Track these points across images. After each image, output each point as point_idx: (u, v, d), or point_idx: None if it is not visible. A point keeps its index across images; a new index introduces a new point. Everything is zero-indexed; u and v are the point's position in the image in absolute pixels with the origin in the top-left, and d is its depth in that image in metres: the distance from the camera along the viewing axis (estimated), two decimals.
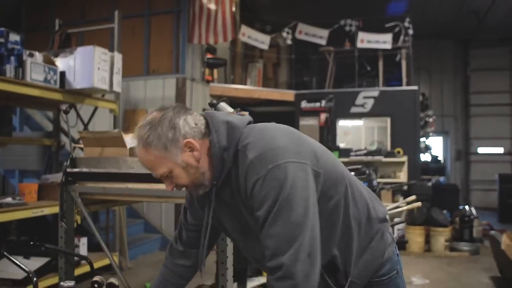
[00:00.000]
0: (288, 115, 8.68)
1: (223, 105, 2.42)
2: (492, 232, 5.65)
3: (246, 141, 1.42)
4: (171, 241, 1.85)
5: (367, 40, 8.18)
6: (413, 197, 4.30)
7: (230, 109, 2.45)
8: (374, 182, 3.95)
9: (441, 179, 9.14)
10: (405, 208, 4.17)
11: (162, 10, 7.34)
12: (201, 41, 7.17)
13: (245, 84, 8.82)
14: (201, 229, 1.62)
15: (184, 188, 1.52)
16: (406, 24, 8.23)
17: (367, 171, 3.87)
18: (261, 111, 9.24)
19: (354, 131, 8.47)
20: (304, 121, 8.28)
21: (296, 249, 1.32)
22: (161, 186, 2.32)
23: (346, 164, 6.37)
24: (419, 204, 3.73)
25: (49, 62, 4.30)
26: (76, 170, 2.66)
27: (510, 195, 10.22)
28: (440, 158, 10.44)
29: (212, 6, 7.17)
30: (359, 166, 4.03)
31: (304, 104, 8.28)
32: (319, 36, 8.46)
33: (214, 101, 2.23)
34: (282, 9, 9.86)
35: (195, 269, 1.78)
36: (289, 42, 8.69)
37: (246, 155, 1.39)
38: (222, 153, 1.43)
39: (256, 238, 1.46)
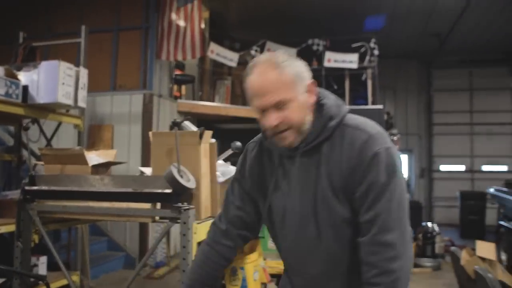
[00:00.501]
0: (256, 132, 8.71)
1: (187, 123, 2.43)
2: (453, 248, 5.79)
3: (356, 120, 1.48)
4: (215, 219, 1.82)
5: (334, 60, 8.35)
6: None
7: (194, 128, 2.47)
8: None
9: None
10: None
11: (130, 26, 7.32)
12: (169, 58, 7.17)
13: (213, 101, 8.84)
14: (246, 210, 1.70)
15: (274, 133, 1.45)
16: (372, 44, 8.45)
17: None
18: (228, 128, 9.28)
19: None
20: None
21: (402, 230, 1.37)
22: (123, 205, 2.30)
23: None
24: None
25: (11, 76, 4.21)
26: (35, 188, 2.61)
27: (471, 212, 10.52)
28: (405, 175, 10.63)
29: (181, 23, 7.20)
30: None
31: None
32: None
33: (178, 120, 2.24)
34: (251, 27, 9.99)
35: (236, 251, 1.78)
36: None
37: (361, 131, 1.43)
38: (328, 120, 1.45)
39: (318, 223, 1.47)
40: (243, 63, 9.15)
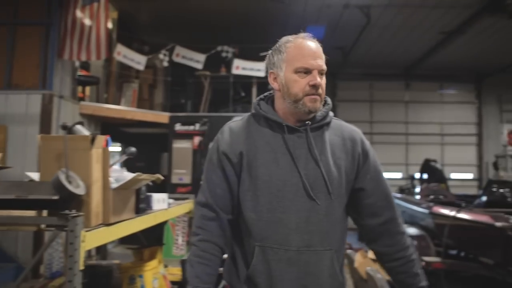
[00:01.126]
0: (161, 137, 8.60)
1: (79, 127, 2.35)
2: (348, 251, 6.10)
3: (340, 120, 1.86)
4: (200, 210, 1.77)
5: (242, 67, 8.48)
6: None
7: (86, 132, 2.39)
8: None
9: None
10: None
11: (30, 20, 6.90)
12: (72, 57, 6.85)
13: (119, 104, 8.58)
14: (233, 192, 1.74)
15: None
16: None
17: None
18: (134, 132, 9.07)
19: None
20: (178, 144, 8.26)
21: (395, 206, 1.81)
22: (4, 212, 2.16)
23: None
24: None
25: None
26: None
27: None
28: None
29: (86, 22, 6.92)
30: None
31: (178, 127, 8.28)
32: (196, 60, 8.57)
33: (68, 124, 2.15)
34: (161, 31, 9.86)
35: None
36: (165, 64, 8.68)
37: (352, 127, 1.84)
38: (329, 110, 1.81)
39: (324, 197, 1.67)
40: (151, 66, 9.01)
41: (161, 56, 8.59)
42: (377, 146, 13.58)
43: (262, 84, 8.75)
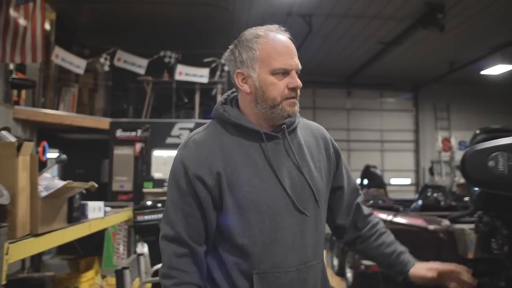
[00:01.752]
0: (102, 143, 8.38)
1: (3, 133, 2.24)
2: None
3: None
4: (167, 249, 1.46)
5: (185, 73, 8.42)
6: None
7: (13, 138, 2.28)
8: None
9: None
10: None
11: None
12: (5, 59, 6.52)
13: (57, 109, 8.27)
14: (210, 219, 1.46)
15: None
16: (223, 61, 8.67)
17: None
18: (73, 138, 8.78)
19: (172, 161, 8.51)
20: (119, 150, 8.08)
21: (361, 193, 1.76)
22: None
23: (160, 195, 6.33)
24: None
25: None
26: None
27: None
28: None
29: (21, 22, 6.63)
30: (163, 198, 4.06)
31: (119, 133, 8.10)
32: (138, 65, 8.44)
33: None
34: (103, 34, 9.61)
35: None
36: (107, 68, 8.47)
37: (314, 123, 1.69)
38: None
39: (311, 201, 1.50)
40: (92, 70, 8.77)
41: (102, 60, 8.39)
42: None
43: (205, 90, 8.73)
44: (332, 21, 9.36)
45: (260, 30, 1.51)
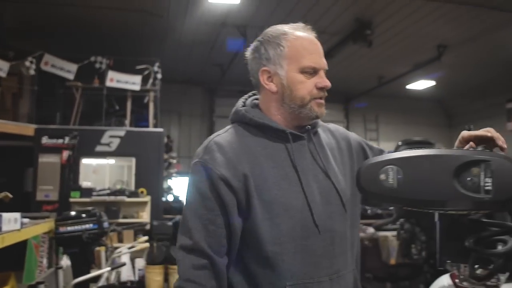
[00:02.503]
0: (26, 150, 7.97)
1: None
2: None
3: None
4: (189, 261, 1.32)
5: (116, 80, 8.20)
6: (145, 238, 4.39)
7: None
8: (105, 224, 3.88)
9: None
10: (137, 248, 4.22)
11: None
12: None
13: None
14: (234, 226, 1.34)
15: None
16: (156, 68, 8.57)
17: (97, 213, 3.79)
18: None
19: (103, 170, 8.27)
20: (45, 158, 7.70)
21: None
22: None
23: (87, 204, 6.09)
24: (146, 244, 3.82)
25: None
26: None
27: None
28: (182, 198, 10.99)
29: None
30: (89, 208, 3.93)
31: (45, 140, 7.72)
32: (67, 70, 8.12)
33: None
34: (29, 36, 9.19)
35: None
36: (32, 72, 8.08)
37: (329, 124, 1.64)
38: None
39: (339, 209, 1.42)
40: (16, 74, 8.34)
41: (27, 63, 7.98)
42: None
43: (138, 98, 8.56)
44: None
45: (286, 27, 1.47)
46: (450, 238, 1.01)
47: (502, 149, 1.07)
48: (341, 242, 1.40)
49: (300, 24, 1.48)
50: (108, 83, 8.15)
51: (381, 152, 1.59)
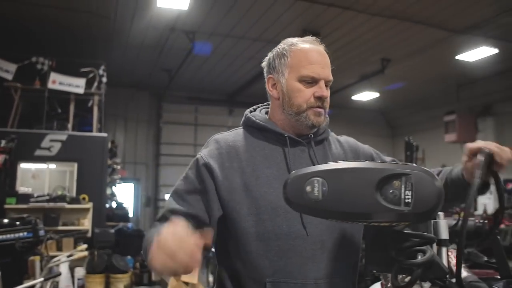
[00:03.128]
0: None
1: None
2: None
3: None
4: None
5: (59, 82, 7.91)
6: (84, 246, 4.25)
7: None
8: (41, 232, 3.73)
9: (129, 225, 9.38)
10: (75, 257, 4.07)
11: None
12: None
13: None
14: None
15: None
16: (101, 71, 8.36)
17: (32, 221, 3.63)
18: None
19: (43, 175, 7.95)
20: None
21: None
22: None
23: (24, 211, 5.80)
24: (85, 253, 3.70)
25: None
26: None
27: None
28: (126, 204, 10.76)
29: None
30: (24, 215, 3.77)
31: None
32: (5, 69, 7.76)
33: None
34: None
35: None
36: None
37: (342, 136, 1.68)
38: (328, 123, 1.57)
39: None
40: None
41: None
42: None
43: (81, 101, 8.31)
44: (215, 39, 9.51)
45: (296, 39, 1.53)
46: (375, 248, 1.04)
47: (498, 165, 1.19)
48: (333, 249, 1.41)
49: (311, 38, 1.54)
50: (50, 85, 7.84)
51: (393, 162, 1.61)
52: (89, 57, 9.02)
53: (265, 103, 1.67)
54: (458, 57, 9.43)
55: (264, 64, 1.59)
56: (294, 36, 1.59)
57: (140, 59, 10.77)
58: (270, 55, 1.57)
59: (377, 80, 11.24)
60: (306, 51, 1.48)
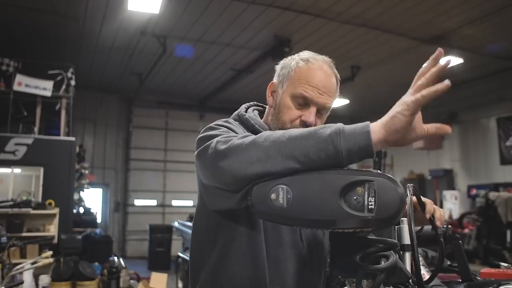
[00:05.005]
0: None
1: None
2: (131, 281, 5.95)
3: None
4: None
5: (25, 84, 7.71)
6: (49, 253, 4.16)
7: None
8: (3, 239, 3.62)
9: (97, 231, 9.22)
10: (40, 264, 3.98)
11: None
12: None
13: None
14: None
15: None
16: (70, 74, 8.20)
17: None
18: None
19: (7, 180, 7.71)
20: None
21: None
22: None
23: None
24: (50, 260, 3.61)
25: None
26: None
27: (158, 244, 11.16)
28: (94, 210, 10.57)
29: None
30: None
31: None
32: None
33: None
34: None
35: None
36: None
37: None
38: None
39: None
40: None
41: None
42: (171, 174, 13.77)
43: (48, 104, 8.13)
44: (187, 44, 9.46)
45: (311, 55, 1.46)
46: (340, 254, 1.05)
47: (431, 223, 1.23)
48: (307, 255, 1.41)
49: (326, 59, 1.47)
50: (16, 87, 7.63)
51: None
52: (57, 59, 8.86)
53: (252, 103, 1.63)
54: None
55: (277, 66, 1.54)
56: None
57: (109, 62, 10.63)
58: (283, 61, 1.52)
59: (347, 87, 11.39)
60: (311, 71, 1.41)
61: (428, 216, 1.22)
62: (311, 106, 1.38)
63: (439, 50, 1.03)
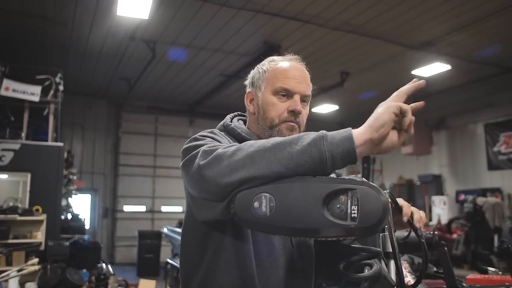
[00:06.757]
0: None
1: None
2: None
3: None
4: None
5: (12, 89, 7.63)
6: (35, 260, 4.11)
7: None
8: None
9: (86, 237, 9.14)
10: (26, 271, 3.94)
11: None
12: None
13: None
14: None
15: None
16: (58, 79, 8.13)
17: None
18: None
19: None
20: None
21: None
22: None
23: None
24: (36, 267, 3.57)
25: None
26: None
27: (147, 250, 11.08)
28: (82, 216, 10.48)
29: None
30: None
31: None
32: None
33: None
34: None
35: None
36: None
37: None
38: None
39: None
40: None
41: None
42: (161, 179, 13.70)
43: (36, 109, 8.06)
44: (176, 49, 9.45)
45: (277, 57, 1.54)
46: (324, 262, 1.05)
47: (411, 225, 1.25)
48: (296, 263, 1.39)
49: (292, 56, 1.53)
50: (3, 92, 7.54)
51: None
52: (45, 63, 8.80)
53: (236, 113, 1.65)
54: (413, 72, 9.72)
55: (246, 82, 1.59)
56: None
57: (98, 67, 10.58)
58: (252, 71, 1.57)
59: (337, 93, 11.44)
60: (283, 66, 1.48)
61: (405, 219, 1.24)
62: (294, 95, 1.45)
63: (423, 81, 1.15)
